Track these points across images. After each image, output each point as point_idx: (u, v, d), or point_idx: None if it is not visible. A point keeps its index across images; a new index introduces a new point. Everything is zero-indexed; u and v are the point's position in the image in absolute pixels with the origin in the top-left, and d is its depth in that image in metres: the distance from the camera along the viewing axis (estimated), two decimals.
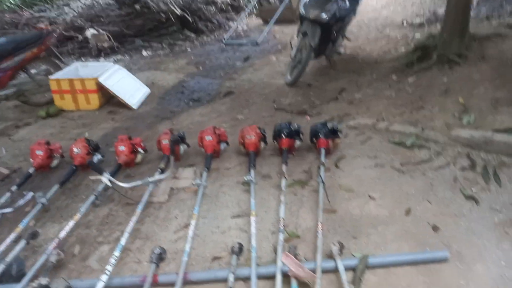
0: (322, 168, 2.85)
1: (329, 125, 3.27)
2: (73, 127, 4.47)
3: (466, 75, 4.05)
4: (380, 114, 3.93)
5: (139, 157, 3.40)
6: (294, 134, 3.31)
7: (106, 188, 2.80)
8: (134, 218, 2.45)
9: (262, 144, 3.38)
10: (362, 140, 3.44)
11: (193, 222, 2.41)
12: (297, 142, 3.34)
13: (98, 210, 2.81)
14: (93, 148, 3.42)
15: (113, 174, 3.08)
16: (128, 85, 5.16)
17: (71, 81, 4.81)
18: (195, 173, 3.21)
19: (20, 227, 2.48)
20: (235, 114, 4.43)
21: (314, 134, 3.24)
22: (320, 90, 4.88)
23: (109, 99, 5.04)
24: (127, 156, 3.30)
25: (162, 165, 3.05)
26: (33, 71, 5.32)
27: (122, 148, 3.29)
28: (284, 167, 2.93)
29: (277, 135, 3.31)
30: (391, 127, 3.46)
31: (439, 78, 4.26)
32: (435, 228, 2.27)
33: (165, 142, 3.30)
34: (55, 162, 3.48)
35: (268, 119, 4.21)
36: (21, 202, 2.87)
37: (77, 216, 2.54)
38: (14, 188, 2.95)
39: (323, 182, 2.66)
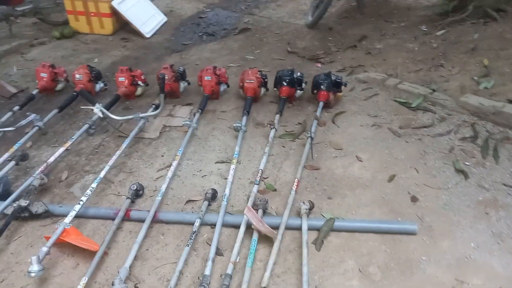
0: (314, 123, 2.77)
1: (333, 76, 3.11)
2: (85, 51, 4.47)
3: (498, 34, 3.67)
4: (396, 68, 3.69)
5: (139, 90, 3.39)
6: (296, 82, 3.18)
7: (102, 118, 2.83)
8: (118, 152, 2.51)
9: (262, 90, 3.28)
10: (368, 96, 3.28)
11: (174, 163, 2.44)
12: (298, 92, 3.22)
13: (91, 139, 2.88)
14: (95, 75, 3.42)
15: (111, 105, 3.12)
16: (143, 12, 5.01)
17: (84, 2, 4.72)
18: (191, 112, 3.19)
19: (14, 147, 2.60)
20: (246, 54, 4.28)
21: (316, 85, 3.10)
22: (340, 36, 4.59)
23: (123, 25, 4.94)
24: (126, 87, 3.30)
25: (157, 101, 3.05)
26: None
27: (122, 79, 3.28)
28: (276, 118, 2.86)
29: (277, 82, 3.20)
30: (400, 85, 3.26)
31: (470, 34, 3.89)
32: (413, 199, 2.22)
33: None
34: (59, 86, 3.53)
35: (278, 62, 4.05)
36: (22, 122, 2.99)
37: (68, 143, 2.62)
38: (16, 108, 3.04)
39: (311, 137, 2.59)
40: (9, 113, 3.00)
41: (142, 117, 2.81)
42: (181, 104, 3.31)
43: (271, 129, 2.72)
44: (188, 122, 2.77)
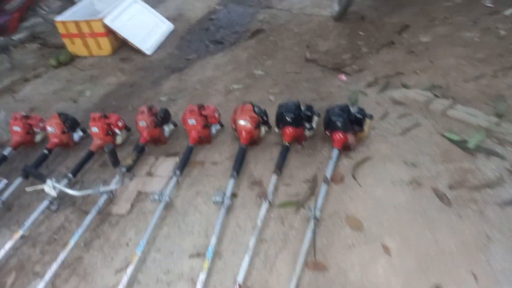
0: (323, 189, 2.00)
1: (352, 109, 2.28)
2: (78, 82, 3.99)
3: None
4: (447, 74, 2.72)
5: (118, 139, 2.82)
6: (304, 119, 2.40)
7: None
8: (71, 244, 1.97)
9: (263, 130, 2.54)
10: (405, 128, 2.40)
11: (131, 266, 1.85)
12: (307, 132, 2.43)
13: (54, 218, 2.39)
14: (70, 124, 2.91)
15: (80, 166, 2.59)
16: (142, 24, 4.41)
17: (77, 23, 4.21)
18: (175, 167, 2.56)
19: None
20: (255, 67, 3.52)
21: (329, 124, 2.30)
22: (374, 27, 3.62)
23: (123, 42, 4.38)
24: (102, 139, 2.74)
25: (129, 161, 2.45)
26: (46, 9, 4.79)
27: (95, 129, 2.73)
28: (272, 181, 2.13)
29: (279, 121, 2.43)
30: (451, 111, 2.34)
31: None
32: None
33: (142, 123, 2.65)
34: (38, 138, 3.08)
35: (292, 77, 3.25)
36: None
37: (18, 234, 2.14)
38: None
39: (315, 218, 1.84)
40: None
41: (102, 192, 2.24)
42: (165, 155, 2.69)
43: (263, 201, 2.01)
44: (156, 197, 2.15)
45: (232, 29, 4.38)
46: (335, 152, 2.19)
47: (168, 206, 2.23)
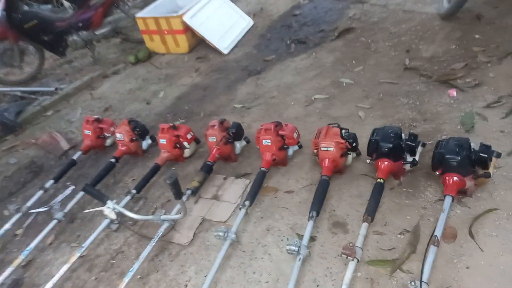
0: (431, 253, 1.53)
1: (474, 145, 1.75)
2: (154, 81, 3.88)
3: None
4: None
5: (187, 152, 2.59)
6: (404, 150, 1.92)
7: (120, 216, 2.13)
8: (122, 285, 1.76)
9: (350, 158, 2.11)
10: None
11: None
12: (407, 166, 1.95)
13: (113, 238, 2.23)
14: (139, 132, 2.74)
15: (147, 180, 2.40)
16: (221, 21, 4.16)
17: (156, 19, 4.10)
18: (245, 190, 2.25)
19: (21, 257, 2.10)
20: (342, 73, 3.07)
21: (441, 161, 1.79)
22: (493, 30, 2.95)
23: (201, 40, 4.18)
24: (169, 152, 2.52)
25: (195, 183, 2.18)
26: (129, 3, 4.77)
27: (163, 141, 2.52)
28: (363, 230, 1.70)
29: (373, 149, 1.98)
30: None
31: None
32: None
33: (211, 139, 2.37)
34: (109, 141, 2.99)
35: (387, 88, 2.74)
36: (59, 198, 2.53)
37: (75, 257, 1.99)
38: (49, 184, 2.57)
39: None
40: (40, 192, 2.53)
41: (164, 220, 2.00)
42: (235, 175, 2.39)
43: (349, 260, 1.59)
44: (221, 234, 1.84)
45: (318, 27, 3.94)
46: (447, 201, 1.69)
47: (234, 242, 1.92)
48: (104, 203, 2.04)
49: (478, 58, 2.72)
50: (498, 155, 1.75)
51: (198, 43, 4.22)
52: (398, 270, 1.63)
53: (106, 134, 2.93)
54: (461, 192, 1.79)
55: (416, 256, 1.65)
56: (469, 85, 2.51)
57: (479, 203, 1.77)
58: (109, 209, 2.03)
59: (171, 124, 2.53)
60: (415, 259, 1.64)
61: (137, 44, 4.71)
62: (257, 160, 2.44)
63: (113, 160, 2.63)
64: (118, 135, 2.70)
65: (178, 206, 2.08)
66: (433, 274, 1.54)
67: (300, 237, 1.87)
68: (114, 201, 2.06)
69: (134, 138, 2.70)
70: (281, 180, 2.25)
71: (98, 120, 2.91)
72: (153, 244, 1.92)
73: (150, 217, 2.03)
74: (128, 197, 2.30)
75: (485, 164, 1.71)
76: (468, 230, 1.68)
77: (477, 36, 2.96)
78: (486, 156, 1.69)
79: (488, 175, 1.71)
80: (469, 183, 1.73)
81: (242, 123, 2.78)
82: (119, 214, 2.10)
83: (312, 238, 1.86)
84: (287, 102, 2.93)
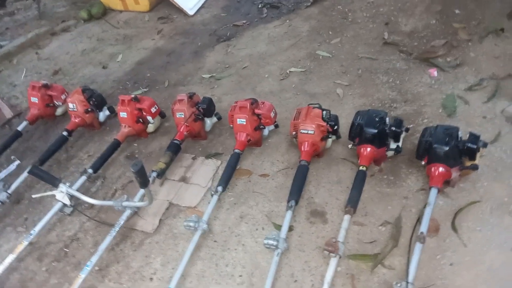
0: (416, 250, 1.45)
1: (468, 139, 1.66)
2: (111, 41, 3.49)
3: None
4: None
5: (151, 127, 2.34)
6: (388, 136, 1.81)
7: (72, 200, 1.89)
8: (79, 281, 1.57)
9: (329, 141, 1.98)
10: None
11: None
12: (390, 152, 1.85)
13: (66, 223, 2.01)
14: (96, 102, 2.44)
15: (105, 158, 2.15)
16: None
17: None
18: (216, 172, 2.07)
19: None
20: (318, 45, 2.88)
21: (426, 150, 1.70)
22: (475, 5, 2.85)
23: None
24: (130, 127, 2.27)
25: (161, 164, 1.97)
26: None
27: (123, 115, 2.25)
28: (345, 222, 1.60)
29: (355, 133, 1.85)
30: None
31: None
32: None
33: (179, 115, 2.14)
34: (59, 111, 2.66)
35: (366, 64, 2.60)
36: (1, 175, 2.23)
37: (22, 246, 1.76)
38: None
39: None
40: None
41: (126, 207, 1.79)
42: (205, 155, 2.19)
43: (331, 256, 1.49)
44: (191, 224, 1.68)
45: None
46: (433, 194, 1.61)
47: (203, 236, 1.76)
48: (56, 187, 1.78)
49: (459, 36, 2.62)
50: (485, 145, 1.68)
51: (160, 1, 3.83)
52: (379, 265, 1.55)
53: (56, 102, 2.60)
54: (445, 183, 1.72)
55: (398, 251, 1.59)
56: (450, 64, 2.42)
57: (461, 194, 1.72)
58: (62, 194, 1.78)
59: (133, 96, 2.25)
60: (397, 254, 1.58)
61: None
62: (229, 139, 2.25)
63: (65, 133, 2.34)
64: (70, 105, 2.39)
65: (142, 191, 1.87)
66: (416, 271, 1.47)
67: (277, 226, 1.76)
68: (67, 184, 1.81)
69: (90, 109, 2.41)
70: (256, 162, 2.09)
71: (46, 86, 2.56)
72: (114, 234, 1.72)
73: (110, 202, 1.82)
74: (84, 177, 2.05)
75: (473, 155, 1.64)
76: (451, 224, 1.62)
77: (457, 11, 2.85)
78: (475, 146, 1.61)
79: (476, 167, 1.64)
80: (454, 174, 1.66)
81: (211, 96, 2.56)
82: (74, 197, 1.86)
83: (290, 228, 1.74)
84: (261, 74, 2.72)
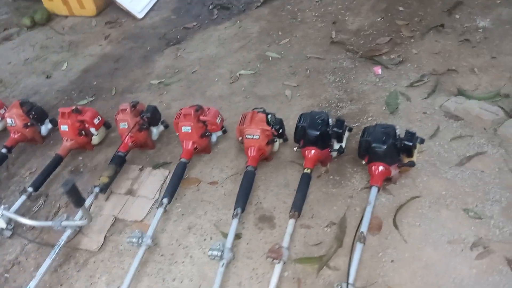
0: (357, 251, 1.47)
1: (398, 130, 1.70)
2: (56, 49, 3.36)
3: None
4: None
5: (95, 139, 2.26)
6: (331, 137, 1.83)
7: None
8: None
9: (276, 145, 1.98)
10: (463, 156, 1.83)
11: None
12: (334, 153, 1.87)
13: (7, 247, 1.90)
14: (36, 115, 2.33)
15: (46, 175, 2.05)
16: None
17: None
18: (164, 182, 2.03)
19: None
20: (268, 46, 2.88)
21: (368, 150, 1.72)
22: (418, 2, 2.94)
23: (111, 0, 3.66)
24: (72, 140, 2.18)
25: (104, 179, 1.90)
26: None
27: (64, 128, 2.16)
28: (289, 226, 1.60)
29: (300, 136, 1.86)
30: None
31: None
32: None
33: (123, 125, 2.08)
34: None
35: (314, 64, 2.62)
36: None
37: None
38: None
39: None
40: None
41: (66, 227, 1.72)
42: (152, 165, 2.14)
43: (275, 263, 1.49)
44: (134, 240, 1.63)
45: None
46: (373, 193, 1.64)
47: (149, 250, 1.72)
48: None
49: (402, 33, 2.69)
50: (422, 141, 1.73)
51: (108, 5, 3.71)
52: (325, 267, 1.57)
53: None
54: (386, 179, 1.76)
55: (342, 251, 1.61)
56: (394, 62, 2.47)
57: (403, 190, 1.76)
58: None
59: (74, 107, 2.17)
60: (342, 254, 1.60)
61: (33, 2, 4.02)
62: (177, 147, 2.21)
63: (4, 150, 2.23)
64: (8, 121, 2.27)
65: (91, 195, 1.81)
66: (359, 270, 1.50)
67: (225, 235, 1.74)
68: (3, 206, 1.72)
69: (30, 123, 2.30)
70: (204, 170, 2.06)
71: None
72: (53, 256, 1.65)
73: (49, 223, 1.74)
74: (24, 197, 1.96)
75: (410, 152, 1.68)
76: (392, 220, 1.65)
77: (401, 8, 2.92)
78: (411, 144, 1.65)
79: (412, 164, 1.69)
80: (394, 171, 1.70)
81: (160, 103, 2.52)
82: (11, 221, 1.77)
83: (238, 236, 1.73)
84: (210, 78, 2.68)
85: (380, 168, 1.67)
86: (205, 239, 1.76)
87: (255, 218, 1.80)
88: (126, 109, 2.07)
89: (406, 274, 1.48)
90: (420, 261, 1.50)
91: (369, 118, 2.14)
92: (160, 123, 2.20)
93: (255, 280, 1.58)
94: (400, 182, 1.79)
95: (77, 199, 1.42)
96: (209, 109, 2.04)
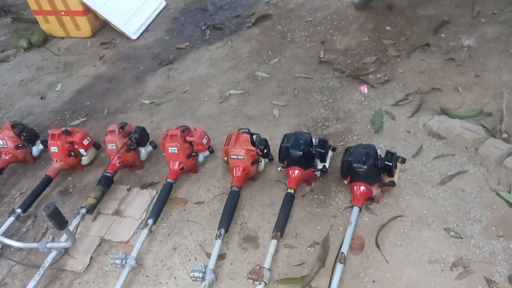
0: (337, 271, 1.48)
1: (379, 151, 1.72)
2: (51, 70, 3.42)
3: None
4: (499, 97, 2.15)
5: (85, 160, 2.29)
6: (315, 156, 1.85)
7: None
8: None
9: (261, 165, 2.00)
10: (445, 175, 1.85)
11: None
12: (318, 173, 1.89)
13: None
14: (27, 137, 2.37)
15: (35, 196, 2.08)
16: (128, 1, 3.74)
17: None
18: (151, 203, 2.05)
19: None
20: (258, 65, 2.93)
21: (349, 170, 1.74)
22: (404, 22, 2.98)
23: (106, 22, 3.74)
24: (62, 160, 2.21)
25: (91, 200, 1.92)
26: None
27: (54, 149, 2.19)
28: (272, 247, 1.61)
29: (284, 156, 1.89)
30: (509, 160, 1.77)
31: None
32: None
33: (111, 146, 2.11)
34: None
35: (302, 83, 2.66)
36: None
37: None
38: None
39: None
40: None
41: (51, 248, 1.73)
42: (140, 185, 2.16)
43: (255, 284, 1.50)
44: (117, 261, 1.64)
45: (234, 12, 3.72)
46: (354, 213, 1.65)
47: (134, 272, 1.73)
48: None
49: (389, 52, 2.73)
50: (403, 161, 1.75)
51: (103, 26, 3.79)
52: (307, 287, 1.57)
53: None
54: (369, 199, 1.77)
55: (325, 271, 1.61)
56: (380, 81, 2.51)
57: (385, 210, 1.77)
58: None
59: (63, 129, 2.21)
60: (324, 274, 1.60)
61: (32, 24, 4.11)
62: (165, 167, 2.24)
63: None
64: (0, 142, 2.30)
65: (77, 216, 1.83)
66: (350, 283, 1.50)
67: (209, 255, 1.74)
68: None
69: (21, 145, 2.33)
70: (191, 190, 2.09)
71: None
72: (38, 278, 1.66)
73: (34, 245, 1.76)
74: (12, 218, 1.98)
75: (390, 171, 1.70)
76: (375, 240, 1.66)
77: (388, 28, 2.98)
78: (391, 164, 1.67)
79: (393, 184, 1.70)
80: (375, 191, 1.72)
81: (151, 122, 2.56)
82: None
83: (222, 256, 1.74)
84: (201, 98, 2.73)
85: (362, 188, 1.69)
86: (189, 260, 1.77)
87: (239, 238, 1.81)
88: (114, 131, 2.11)
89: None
90: (401, 281, 1.51)
91: (354, 137, 2.16)
92: (148, 143, 2.23)
93: None
94: (383, 201, 1.81)
95: (59, 221, 1.44)
96: (195, 129, 2.08)
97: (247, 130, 1.98)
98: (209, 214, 1.95)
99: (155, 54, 3.38)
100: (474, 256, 1.53)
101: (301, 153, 1.80)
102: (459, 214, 1.68)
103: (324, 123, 2.31)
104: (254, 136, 1.95)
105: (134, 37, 3.59)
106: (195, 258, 1.77)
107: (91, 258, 1.84)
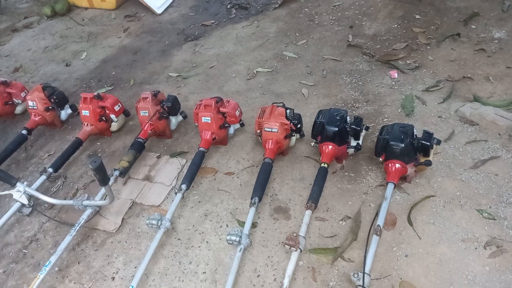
0: (373, 243, 1.50)
1: (422, 136, 1.74)
2: (75, 39, 3.41)
3: None
4: None
5: (114, 126, 2.30)
6: (348, 134, 1.87)
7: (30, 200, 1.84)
8: (37, 281, 1.52)
9: (293, 139, 2.02)
10: (478, 159, 1.87)
11: None
12: (350, 150, 1.91)
13: (25, 224, 1.94)
14: (57, 100, 2.38)
15: (66, 157, 2.09)
16: None
17: None
18: (181, 171, 2.07)
19: None
20: (285, 46, 2.92)
21: (385, 148, 1.76)
22: (434, 12, 2.98)
23: None
24: (92, 125, 2.22)
25: (124, 163, 1.94)
26: None
27: (85, 113, 2.20)
28: (306, 217, 1.63)
29: (318, 132, 1.90)
30: None
31: None
32: None
33: (143, 113, 2.12)
34: (19, 109, 2.58)
35: (330, 65, 2.66)
36: None
37: None
38: None
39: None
40: None
41: (87, 206, 1.75)
42: (169, 154, 2.18)
43: (292, 250, 1.52)
44: (154, 222, 1.66)
45: None
46: (389, 189, 1.67)
47: (167, 234, 1.75)
48: (13, 186, 1.73)
49: (418, 40, 2.73)
50: (438, 142, 1.76)
51: None
52: (339, 258, 1.60)
53: (15, 100, 2.51)
54: (401, 178, 1.79)
55: (357, 244, 1.63)
56: (410, 67, 2.52)
57: (417, 190, 1.79)
58: (19, 193, 1.72)
59: (95, 93, 2.21)
60: (356, 247, 1.62)
61: None
62: (194, 138, 2.25)
63: (24, 132, 2.27)
64: (30, 103, 2.32)
65: (103, 190, 1.84)
66: (373, 263, 1.52)
67: (241, 223, 1.77)
68: (25, 183, 1.76)
69: (50, 107, 2.34)
70: (221, 161, 2.10)
71: (5, 83, 2.48)
72: (74, 233, 1.68)
73: (70, 202, 1.77)
74: (44, 177, 1.99)
75: (426, 151, 1.72)
76: (407, 217, 1.69)
77: (417, 16, 2.97)
78: (429, 144, 1.69)
79: (429, 163, 1.72)
80: (410, 170, 1.73)
81: (178, 95, 2.57)
82: (33, 197, 1.81)
83: (253, 225, 1.76)
84: (228, 74, 2.73)
85: (397, 165, 1.71)
86: (221, 226, 1.79)
87: (270, 209, 1.83)
88: (147, 98, 2.11)
89: (420, 269, 1.51)
90: (433, 257, 1.53)
91: (385, 119, 2.17)
92: (179, 113, 2.24)
93: (270, 267, 1.61)
94: (415, 181, 1.83)
95: (103, 177, 1.46)
96: (228, 101, 2.09)
97: (281, 104, 1.99)
98: (239, 185, 1.97)
99: (180, 29, 3.37)
100: (507, 236, 1.55)
101: (337, 129, 1.81)
102: (491, 197, 1.70)
103: (354, 104, 2.32)
104: (288, 111, 1.96)
105: (159, 11, 3.58)
106: (227, 225, 1.79)
107: (122, 219, 1.86)
